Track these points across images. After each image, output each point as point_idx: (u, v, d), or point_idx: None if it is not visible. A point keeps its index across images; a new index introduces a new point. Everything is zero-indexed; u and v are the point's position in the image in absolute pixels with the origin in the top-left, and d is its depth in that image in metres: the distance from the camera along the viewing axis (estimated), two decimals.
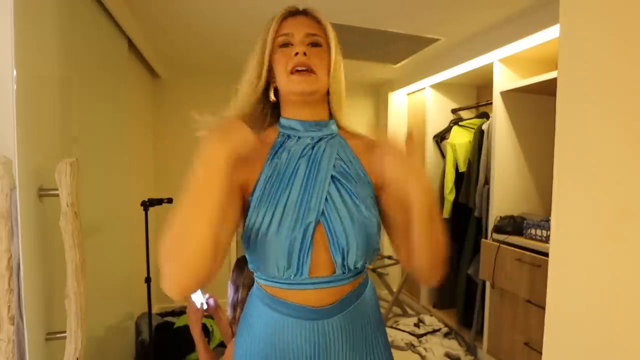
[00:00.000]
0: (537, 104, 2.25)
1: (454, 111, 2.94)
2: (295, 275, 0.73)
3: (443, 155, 2.94)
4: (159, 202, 1.91)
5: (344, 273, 0.75)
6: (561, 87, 0.79)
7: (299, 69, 0.75)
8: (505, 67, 2.20)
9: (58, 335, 0.89)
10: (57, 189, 0.83)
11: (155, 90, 3.02)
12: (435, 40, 2.35)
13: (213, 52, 2.67)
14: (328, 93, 0.82)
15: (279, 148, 0.79)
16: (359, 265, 0.76)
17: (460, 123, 2.74)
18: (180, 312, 2.81)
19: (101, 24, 1.60)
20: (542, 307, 1.73)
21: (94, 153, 1.48)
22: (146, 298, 1.91)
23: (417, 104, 3.14)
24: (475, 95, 3.01)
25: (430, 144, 2.96)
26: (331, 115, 0.84)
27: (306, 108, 0.80)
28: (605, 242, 0.70)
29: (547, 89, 2.03)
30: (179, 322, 2.53)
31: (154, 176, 3.05)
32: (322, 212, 0.74)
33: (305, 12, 0.81)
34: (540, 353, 0.89)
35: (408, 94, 3.29)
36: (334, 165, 0.77)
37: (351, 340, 0.77)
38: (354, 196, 0.75)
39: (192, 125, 0.72)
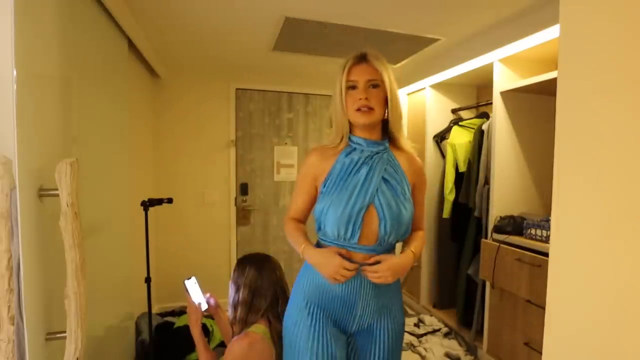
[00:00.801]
0: (537, 104, 2.25)
1: (454, 111, 2.94)
2: (348, 239, 1.11)
3: (443, 155, 2.94)
4: (159, 202, 1.91)
5: (381, 245, 1.13)
6: (561, 87, 0.79)
7: (362, 108, 1.10)
8: (505, 67, 2.20)
9: (58, 335, 0.89)
10: (57, 189, 0.83)
11: (155, 90, 3.02)
12: (435, 40, 2.35)
13: (213, 53, 2.68)
14: (384, 119, 1.17)
15: (348, 154, 1.16)
16: (393, 241, 1.15)
17: (460, 123, 2.74)
18: (180, 312, 2.81)
19: (101, 24, 1.60)
20: (542, 307, 1.74)
21: (94, 153, 1.48)
22: (146, 298, 1.91)
23: (417, 104, 3.14)
24: (475, 95, 3.01)
25: (430, 144, 2.96)
26: (384, 135, 1.19)
27: (367, 131, 1.16)
28: (605, 242, 0.70)
29: (547, 89, 2.03)
30: (179, 322, 2.53)
31: (154, 176, 3.05)
32: (375, 200, 1.10)
33: (366, 60, 1.12)
34: (540, 353, 0.89)
35: (408, 94, 3.29)
36: (385, 169, 1.14)
37: (376, 292, 1.16)
38: (397, 192, 1.13)
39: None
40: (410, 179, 1.18)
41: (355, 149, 1.16)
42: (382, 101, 1.12)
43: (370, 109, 1.09)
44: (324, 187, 1.15)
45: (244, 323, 1.37)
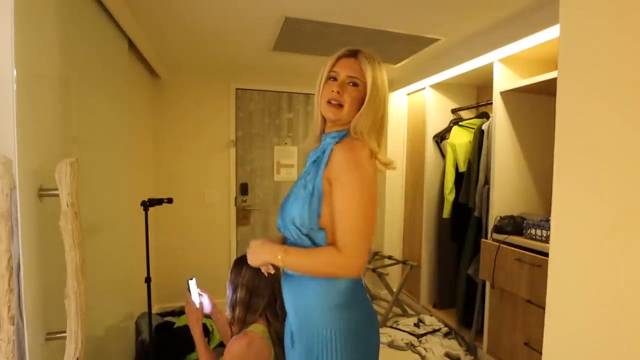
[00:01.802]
0: (537, 104, 2.25)
1: (454, 111, 2.95)
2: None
3: (443, 155, 2.94)
4: (159, 202, 1.91)
5: (288, 235, 1.05)
6: (561, 87, 0.79)
7: (332, 102, 1.02)
8: (505, 67, 2.20)
9: (58, 335, 0.89)
10: (57, 189, 0.83)
11: (155, 90, 3.02)
12: (435, 40, 2.35)
13: (213, 52, 2.68)
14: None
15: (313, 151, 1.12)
16: (294, 234, 1.01)
17: (460, 123, 2.74)
18: (180, 312, 2.81)
19: (101, 24, 1.60)
20: (542, 307, 1.74)
21: (94, 153, 1.48)
22: (146, 298, 1.91)
23: (417, 104, 3.14)
24: (475, 95, 3.01)
25: (430, 144, 2.96)
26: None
27: (333, 127, 1.08)
28: (605, 242, 0.70)
29: (547, 89, 2.03)
30: (179, 322, 2.53)
31: (154, 176, 3.05)
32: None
33: (355, 56, 1.05)
34: (540, 353, 0.89)
35: (408, 94, 3.29)
36: (314, 161, 1.05)
37: (288, 293, 1.08)
38: (298, 186, 1.04)
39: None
40: (326, 173, 0.99)
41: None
42: (357, 102, 1.02)
43: (340, 105, 1.01)
44: None
45: (243, 323, 1.37)
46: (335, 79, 1.04)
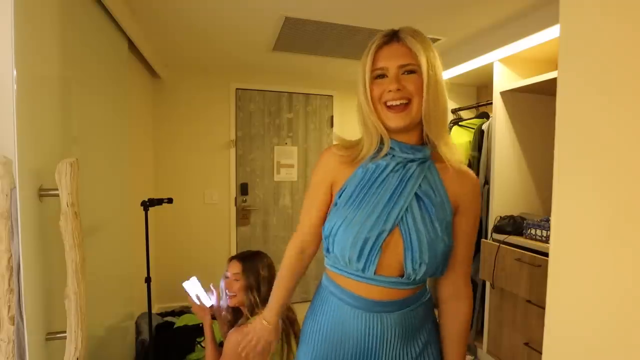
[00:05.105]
0: (537, 104, 2.25)
1: (454, 111, 2.94)
2: (362, 270, 0.84)
3: None
4: (159, 202, 1.91)
5: (409, 279, 0.86)
6: (561, 87, 0.79)
7: (394, 103, 0.82)
8: (505, 67, 2.20)
9: (58, 335, 0.89)
10: (57, 189, 0.83)
11: (155, 90, 3.02)
12: (435, 40, 2.35)
13: (213, 52, 2.68)
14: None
15: (373, 157, 0.88)
16: (423, 277, 0.87)
17: (460, 123, 2.74)
18: (181, 312, 2.81)
19: (101, 24, 1.60)
20: (542, 307, 1.74)
21: (94, 153, 1.48)
22: (146, 298, 1.91)
23: None
24: (475, 95, 3.01)
25: None
26: (423, 138, 0.89)
27: (402, 132, 0.87)
28: (605, 242, 0.70)
29: (547, 89, 2.03)
30: (179, 322, 2.53)
31: (154, 176, 3.05)
32: (402, 223, 0.84)
33: (398, 39, 0.84)
34: (540, 353, 0.89)
35: None
36: (420, 185, 0.86)
37: (404, 338, 0.88)
38: (433, 217, 0.85)
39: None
40: (453, 200, 0.88)
41: (382, 149, 0.88)
42: (422, 92, 0.83)
43: (406, 104, 0.82)
44: (339, 197, 0.89)
45: (256, 306, 1.40)
46: (384, 76, 0.84)
